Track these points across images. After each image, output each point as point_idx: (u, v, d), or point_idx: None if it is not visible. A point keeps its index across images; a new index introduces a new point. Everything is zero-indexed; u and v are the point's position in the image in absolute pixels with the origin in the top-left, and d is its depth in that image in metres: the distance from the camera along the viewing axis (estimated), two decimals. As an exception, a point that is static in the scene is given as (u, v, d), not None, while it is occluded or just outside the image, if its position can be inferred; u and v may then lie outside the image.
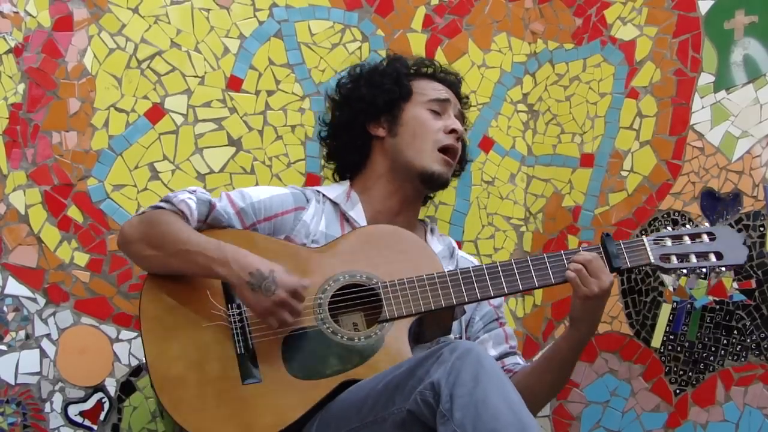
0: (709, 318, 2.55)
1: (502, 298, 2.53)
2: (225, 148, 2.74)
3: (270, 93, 2.80)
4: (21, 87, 2.55)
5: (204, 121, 2.73)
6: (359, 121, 2.55)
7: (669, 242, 2.33)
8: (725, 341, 2.52)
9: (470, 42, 3.04)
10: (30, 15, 2.57)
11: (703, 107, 2.65)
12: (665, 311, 2.65)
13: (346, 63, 2.84)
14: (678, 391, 2.60)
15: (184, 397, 2.14)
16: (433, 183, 2.50)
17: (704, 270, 2.32)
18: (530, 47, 3.12)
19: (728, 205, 2.54)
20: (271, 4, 2.82)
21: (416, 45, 2.97)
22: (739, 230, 2.46)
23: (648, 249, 2.30)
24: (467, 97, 2.74)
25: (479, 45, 3.05)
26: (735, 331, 2.50)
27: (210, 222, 2.32)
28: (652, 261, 2.30)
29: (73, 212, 2.57)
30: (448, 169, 2.50)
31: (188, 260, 2.20)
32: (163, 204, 2.31)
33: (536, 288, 2.32)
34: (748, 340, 2.47)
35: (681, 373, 2.59)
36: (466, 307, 2.40)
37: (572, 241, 2.90)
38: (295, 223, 2.39)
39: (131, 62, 2.67)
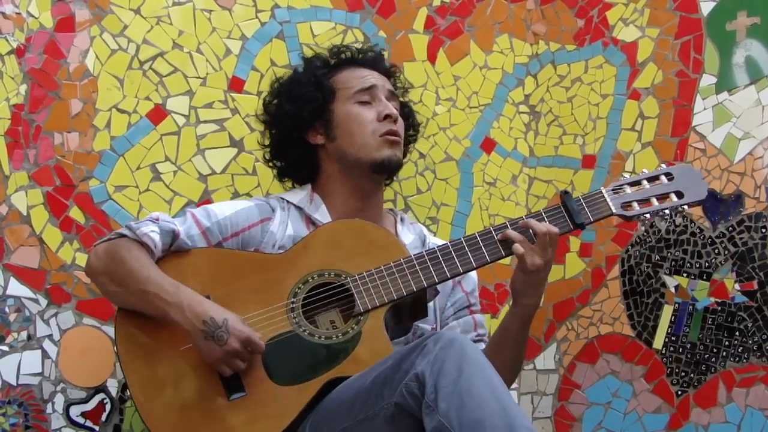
0: (710, 319, 2.55)
1: (475, 283, 2.53)
2: (227, 149, 2.74)
3: (272, 94, 2.79)
4: (23, 88, 2.55)
5: (206, 122, 2.73)
6: (295, 137, 2.51)
7: (628, 189, 2.28)
8: (727, 343, 2.52)
9: (472, 43, 3.04)
10: (32, 16, 2.57)
11: (704, 108, 2.65)
12: (667, 313, 2.65)
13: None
14: (680, 393, 2.60)
15: (173, 423, 2.14)
16: (386, 169, 2.46)
17: (667, 212, 2.28)
18: (532, 48, 3.12)
19: (730, 206, 2.54)
20: (272, 5, 2.82)
21: (418, 46, 2.97)
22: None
23: (608, 199, 2.26)
24: (394, 66, 2.65)
25: (481, 46, 3.05)
26: (737, 333, 2.50)
27: (174, 249, 2.29)
28: (614, 211, 2.26)
29: (75, 213, 2.57)
30: (396, 149, 2.45)
31: (146, 301, 2.19)
32: (127, 232, 2.27)
33: (503, 257, 2.28)
34: (750, 342, 2.47)
35: (683, 374, 2.59)
36: (441, 291, 2.39)
37: (573, 242, 2.90)
38: (263, 235, 2.38)
39: (133, 63, 2.67)
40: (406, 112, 2.60)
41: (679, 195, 2.28)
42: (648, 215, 2.28)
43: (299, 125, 2.49)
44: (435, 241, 2.56)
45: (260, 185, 2.75)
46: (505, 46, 3.09)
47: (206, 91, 2.73)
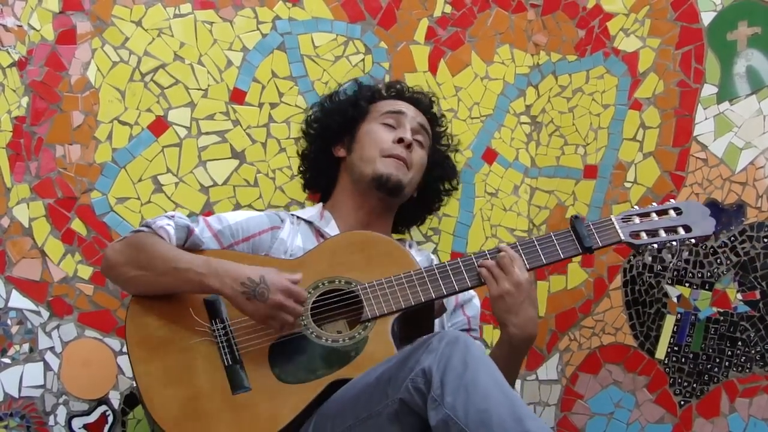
0: (713, 329, 2.55)
1: (478, 310, 2.59)
2: (228, 160, 2.74)
3: (273, 105, 2.80)
4: (24, 100, 2.56)
5: (207, 133, 2.73)
6: (324, 147, 2.61)
7: (637, 219, 2.36)
8: (730, 352, 2.51)
9: (473, 54, 3.05)
10: (33, 28, 2.58)
11: (706, 118, 2.65)
12: (669, 322, 2.64)
13: (350, 75, 2.85)
14: (682, 403, 2.59)
15: (179, 416, 2.15)
16: (383, 185, 2.49)
17: (674, 244, 2.36)
18: (533, 59, 3.12)
19: (732, 216, 2.54)
20: (274, 17, 2.83)
21: (419, 57, 2.97)
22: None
23: (617, 227, 2.34)
24: (443, 116, 2.75)
25: (482, 57, 3.06)
26: (739, 343, 2.49)
27: (188, 246, 2.31)
28: (623, 238, 2.33)
29: (77, 225, 2.58)
30: (399, 169, 2.50)
31: (179, 277, 2.21)
32: (143, 228, 2.31)
33: None
34: (753, 351, 2.47)
35: (685, 384, 2.59)
36: (446, 308, 2.44)
37: (576, 253, 2.90)
38: (273, 242, 2.42)
39: (134, 75, 2.67)
40: (438, 160, 2.66)
41: (687, 229, 2.37)
42: (656, 245, 2.35)
43: (326, 135, 2.59)
44: None
45: (262, 197, 2.75)
46: (506, 57, 3.09)
47: (208, 102, 2.74)
